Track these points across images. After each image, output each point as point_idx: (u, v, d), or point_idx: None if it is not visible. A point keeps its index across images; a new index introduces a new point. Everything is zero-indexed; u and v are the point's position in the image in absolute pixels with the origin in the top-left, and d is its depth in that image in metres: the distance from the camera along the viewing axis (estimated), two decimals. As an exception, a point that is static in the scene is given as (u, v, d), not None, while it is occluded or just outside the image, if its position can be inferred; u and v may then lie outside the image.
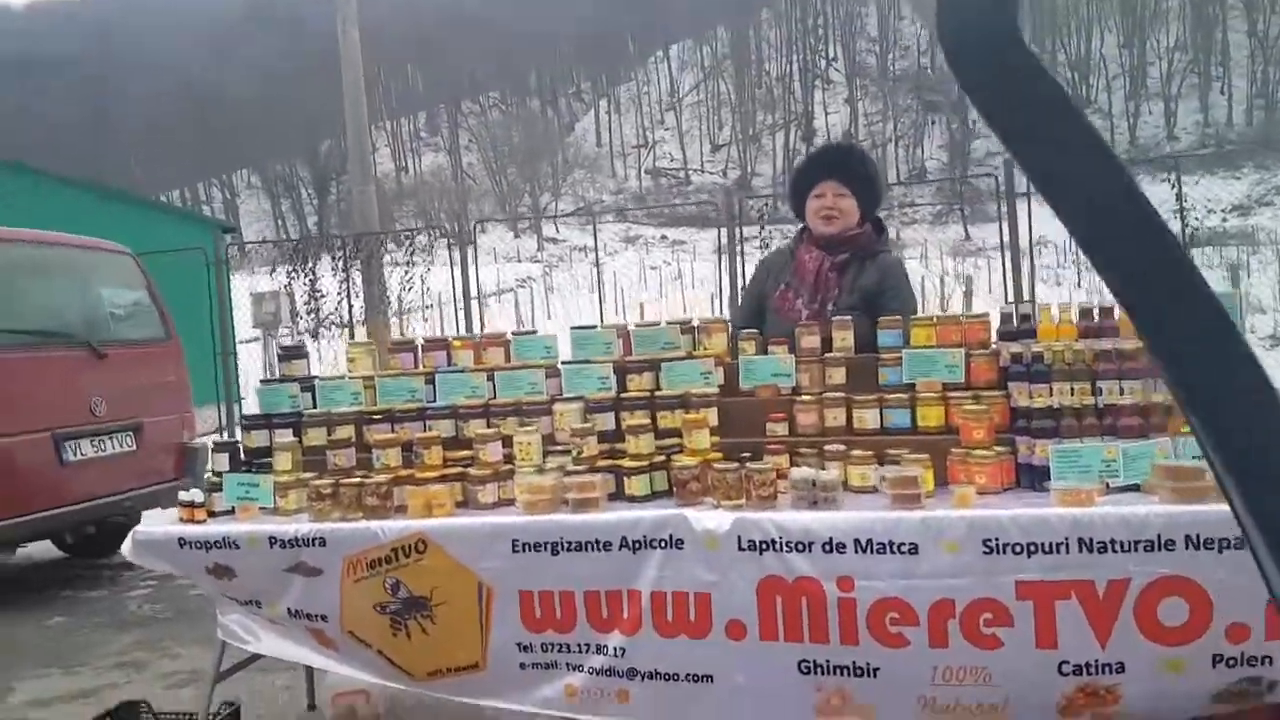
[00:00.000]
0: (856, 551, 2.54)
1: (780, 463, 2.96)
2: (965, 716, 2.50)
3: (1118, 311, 3.14)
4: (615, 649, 2.72)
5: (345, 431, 3.23)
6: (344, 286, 9.63)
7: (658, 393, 3.15)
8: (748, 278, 9.24)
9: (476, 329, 9.58)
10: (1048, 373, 3.01)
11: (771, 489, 2.73)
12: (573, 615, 2.74)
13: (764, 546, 2.61)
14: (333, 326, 10.16)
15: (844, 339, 3.36)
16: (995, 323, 3.26)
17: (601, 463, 2.97)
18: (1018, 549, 2.45)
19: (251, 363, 11.37)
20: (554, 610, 2.75)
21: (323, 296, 9.76)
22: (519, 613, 2.77)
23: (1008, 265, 8.63)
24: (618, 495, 2.93)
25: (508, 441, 3.09)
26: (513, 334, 3.51)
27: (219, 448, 3.26)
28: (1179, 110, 51.83)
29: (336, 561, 2.85)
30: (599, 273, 11.87)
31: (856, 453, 2.95)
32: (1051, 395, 2.98)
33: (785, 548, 2.59)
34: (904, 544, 2.51)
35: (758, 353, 3.33)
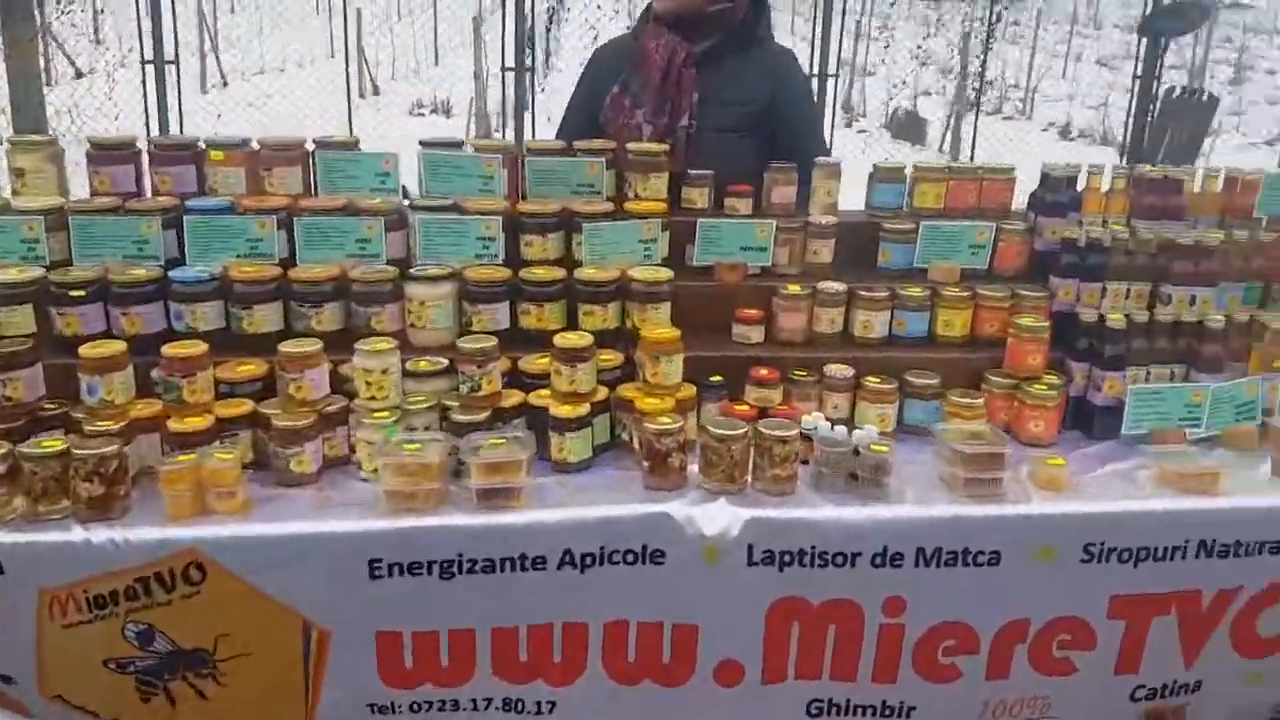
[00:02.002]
0: (919, 564, 1.75)
1: (766, 397, 1.95)
2: None
3: (1191, 183, 2.35)
4: (539, 704, 1.75)
5: (20, 321, 1.75)
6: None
7: (578, 273, 1.97)
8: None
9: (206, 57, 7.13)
10: (1104, 268, 2.20)
11: (793, 468, 1.75)
12: (470, 663, 1.71)
13: (787, 559, 1.69)
14: None
15: (829, 192, 2.32)
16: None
17: (508, 401, 1.80)
18: (1125, 556, 1.82)
19: None
20: (437, 657, 1.70)
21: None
22: (375, 663, 1.68)
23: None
24: (539, 455, 1.81)
25: (332, 345, 1.80)
26: (315, 144, 2.10)
27: None
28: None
29: (28, 595, 1.54)
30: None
31: (872, 383, 2.02)
32: (1105, 297, 2.21)
33: (819, 561, 1.70)
34: (983, 552, 1.78)
35: (711, 207, 2.21)
